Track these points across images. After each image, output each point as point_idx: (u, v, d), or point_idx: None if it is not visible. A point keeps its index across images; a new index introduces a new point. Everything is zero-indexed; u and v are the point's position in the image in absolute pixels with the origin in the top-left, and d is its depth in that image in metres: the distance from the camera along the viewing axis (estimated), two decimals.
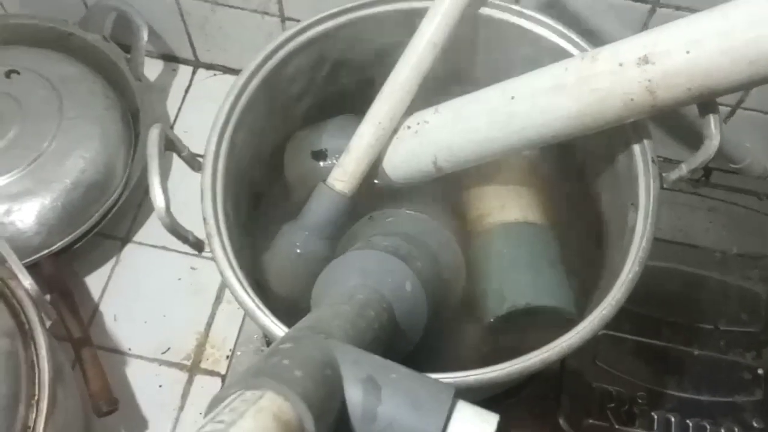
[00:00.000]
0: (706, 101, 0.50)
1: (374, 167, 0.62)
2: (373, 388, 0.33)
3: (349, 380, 0.33)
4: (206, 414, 0.27)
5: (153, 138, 0.50)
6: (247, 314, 0.50)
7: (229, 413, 0.26)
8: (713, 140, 0.51)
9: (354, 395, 0.33)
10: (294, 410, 0.28)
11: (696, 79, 0.46)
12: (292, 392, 0.29)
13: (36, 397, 0.59)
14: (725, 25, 0.45)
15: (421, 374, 0.35)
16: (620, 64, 0.48)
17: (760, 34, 0.43)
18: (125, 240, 0.86)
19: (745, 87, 0.47)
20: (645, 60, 0.47)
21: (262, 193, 0.67)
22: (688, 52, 0.46)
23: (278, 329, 0.49)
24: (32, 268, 0.71)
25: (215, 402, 0.28)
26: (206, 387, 0.78)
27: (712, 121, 0.51)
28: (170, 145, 0.53)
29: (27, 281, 0.62)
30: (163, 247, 0.85)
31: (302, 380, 0.30)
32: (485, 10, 0.61)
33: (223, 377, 0.78)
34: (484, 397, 0.59)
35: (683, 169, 0.54)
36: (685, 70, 0.46)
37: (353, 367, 0.34)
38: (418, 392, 0.34)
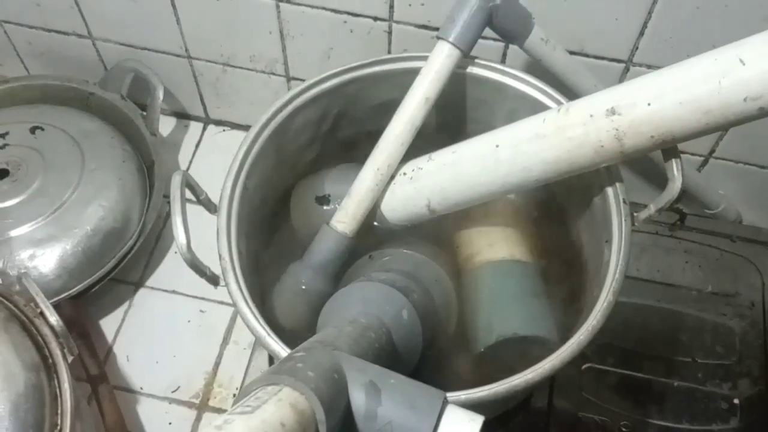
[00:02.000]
0: (668, 147, 0.55)
1: (373, 210, 0.67)
2: (374, 391, 0.38)
3: (354, 384, 0.38)
4: (234, 403, 0.32)
5: (176, 182, 0.56)
6: (259, 341, 0.55)
7: (254, 401, 0.31)
8: (676, 182, 0.56)
9: (358, 397, 0.38)
10: (308, 402, 0.33)
11: (659, 127, 0.52)
12: (306, 387, 0.33)
13: (59, 427, 0.63)
14: (683, 81, 0.51)
15: (416, 381, 0.40)
16: (591, 115, 0.54)
17: (712, 88, 0.49)
18: (138, 284, 0.90)
19: (702, 134, 0.52)
20: (613, 111, 0.53)
21: (271, 234, 0.72)
22: (649, 104, 0.52)
23: (284, 352, 0.53)
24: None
25: (241, 394, 0.33)
26: None
27: (675, 165, 0.56)
28: (190, 189, 0.59)
29: (53, 318, 0.67)
30: (174, 291, 0.90)
31: (314, 379, 0.35)
32: (473, 69, 0.67)
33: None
34: None
35: (651, 209, 0.59)
36: (649, 120, 0.52)
37: (357, 373, 0.39)
38: (414, 395, 0.39)
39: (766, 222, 0.90)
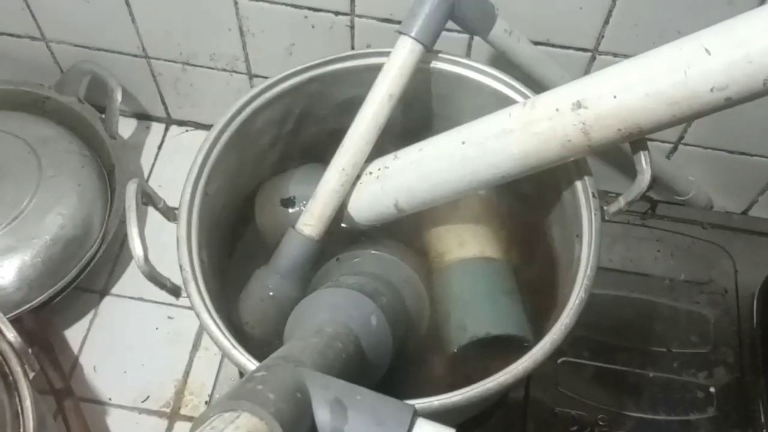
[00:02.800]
0: (636, 139, 0.54)
1: (340, 211, 0.65)
2: (340, 408, 0.37)
3: (318, 402, 0.37)
4: (191, 431, 0.31)
5: (131, 191, 0.54)
6: (224, 354, 0.53)
7: (210, 431, 0.30)
8: (645, 174, 0.56)
9: (323, 416, 0.37)
10: (267, 428, 0.32)
11: (625, 120, 0.51)
12: (265, 412, 0.32)
13: None
14: (648, 72, 0.49)
15: (384, 396, 0.39)
16: (557, 109, 0.53)
17: (678, 79, 0.48)
18: (103, 293, 0.88)
19: (669, 125, 0.51)
20: (579, 105, 0.52)
21: (235, 240, 0.70)
22: (615, 97, 0.50)
23: (250, 364, 0.52)
24: (13, 323, 0.72)
25: (197, 423, 0.32)
26: None
27: (643, 157, 0.56)
28: (147, 198, 0.57)
29: (11, 334, 0.64)
30: (140, 299, 0.87)
31: (275, 402, 0.33)
32: (436, 64, 0.66)
33: None
34: (452, 425, 0.62)
35: (621, 202, 0.58)
36: (615, 113, 0.51)
37: (321, 390, 0.37)
38: (381, 411, 0.37)
39: (736, 207, 0.90)
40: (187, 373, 0.83)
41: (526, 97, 0.63)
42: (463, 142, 0.59)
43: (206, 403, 0.81)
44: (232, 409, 0.32)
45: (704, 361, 0.76)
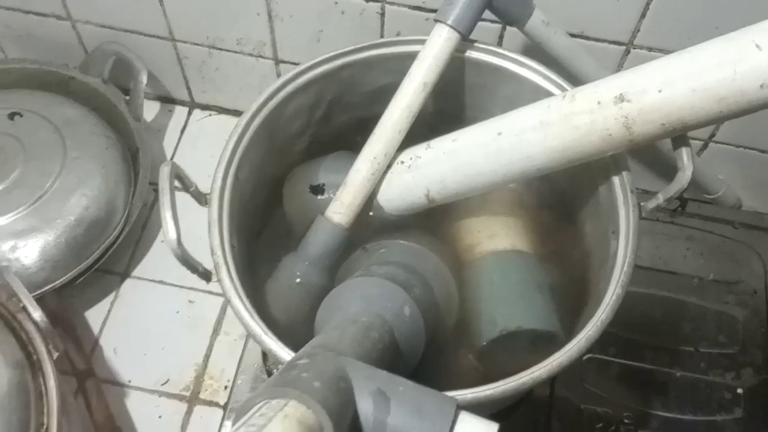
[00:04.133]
0: (679, 135, 0.53)
1: (370, 200, 0.65)
2: (383, 399, 0.36)
3: (361, 392, 0.36)
4: (235, 421, 0.30)
5: (164, 174, 0.53)
6: (255, 339, 0.53)
7: (259, 418, 0.29)
8: (686, 171, 0.55)
9: (365, 406, 0.36)
10: (315, 417, 0.31)
11: (669, 115, 0.50)
12: (313, 400, 0.31)
13: (45, 426, 0.61)
14: (695, 67, 0.49)
15: (426, 388, 0.38)
16: (599, 103, 0.52)
17: (725, 75, 0.47)
18: (124, 275, 0.88)
19: (714, 122, 0.50)
20: (621, 98, 0.51)
21: (263, 226, 0.70)
22: (660, 91, 0.50)
23: (282, 351, 0.51)
24: (36, 303, 0.73)
25: (242, 410, 0.31)
26: (205, 417, 0.80)
27: (685, 153, 0.55)
28: (180, 182, 0.56)
29: (37, 313, 0.64)
30: (161, 282, 0.87)
31: (321, 390, 0.33)
32: (471, 54, 0.65)
33: (223, 407, 0.80)
34: None
35: (660, 198, 0.57)
36: (659, 108, 0.50)
37: (364, 380, 0.37)
38: (424, 403, 0.37)
39: (765, 207, 0.89)
40: (207, 357, 0.83)
41: (563, 89, 0.62)
42: (500, 133, 0.58)
43: (226, 387, 0.81)
44: (280, 397, 0.31)
45: (732, 361, 0.76)
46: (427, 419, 0.36)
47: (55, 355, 0.64)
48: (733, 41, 0.47)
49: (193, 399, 0.81)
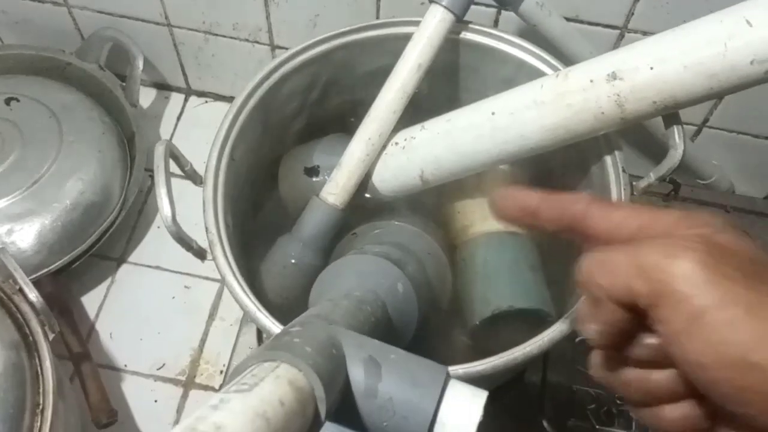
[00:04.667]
0: (671, 113, 0.54)
1: (364, 181, 0.65)
2: (374, 366, 0.37)
3: (352, 360, 0.36)
4: (227, 381, 0.31)
5: (159, 152, 0.53)
6: (248, 316, 0.53)
7: (251, 378, 0.30)
8: (678, 149, 0.55)
9: (357, 373, 0.36)
10: (306, 379, 0.32)
11: (661, 92, 0.50)
12: (304, 363, 0.32)
13: (41, 407, 0.61)
14: (686, 44, 0.49)
15: (417, 356, 0.39)
16: (591, 81, 0.53)
17: (717, 51, 0.47)
18: (120, 260, 0.88)
19: (706, 99, 0.51)
20: (614, 76, 0.52)
21: (258, 207, 0.70)
22: (652, 68, 0.50)
23: (275, 327, 0.52)
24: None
25: (235, 372, 0.31)
26: (201, 401, 0.80)
27: (676, 132, 0.55)
28: (174, 160, 0.56)
29: (33, 294, 0.64)
30: (157, 267, 0.88)
31: (312, 355, 0.33)
32: (466, 35, 0.65)
33: (218, 391, 0.80)
34: None
35: (651, 177, 0.57)
36: (651, 85, 0.50)
37: (356, 348, 0.37)
38: (415, 370, 0.37)
39: (759, 192, 0.90)
40: (203, 342, 0.83)
41: (556, 69, 0.62)
42: (494, 113, 0.58)
43: (221, 372, 0.81)
44: (272, 359, 0.32)
45: None
46: (418, 386, 0.36)
47: (51, 336, 0.65)
48: (725, 18, 0.48)
49: (188, 383, 0.81)
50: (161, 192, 0.52)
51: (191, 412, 0.77)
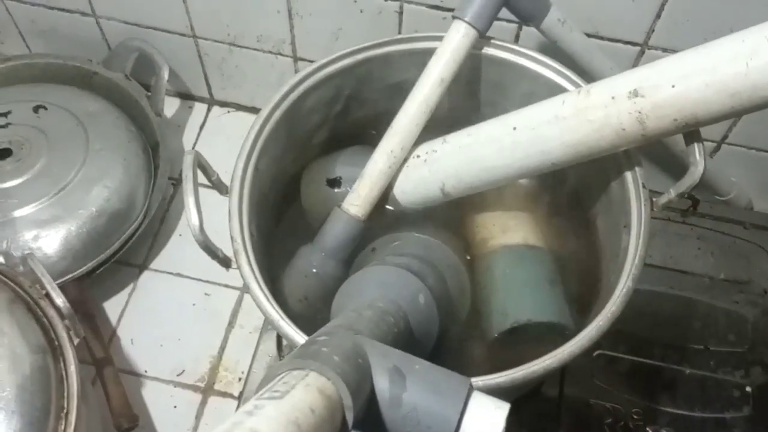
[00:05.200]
0: (691, 131, 0.54)
1: (386, 193, 0.66)
2: (399, 377, 0.37)
3: (378, 370, 0.37)
4: (258, 389, 0.31)
5: (188, 162, 0.55)
6: (272, 324, 0.54)
7: (282, 385, 0.30)
8: (698, 167, 0.55)
9: (382, 383, 0.37)
10: (334, 387, 0.32)
11: (682, 110, 0.51)
12: (333, 372, 0.33)
13: (65, 410, 0.62)
14: (709, 62, 0.49)
15: (441, 367, 0.39)
16: (613, 97, 0.53)
17: (739, 70, 0.48)
18: (142, 267, 0.89)
19: (727, 117, 0.51)
20: (635, 93, 0.52)
21: (281, 217, 0.71)
22: (673, 86, 0.50)
23: (298, 336, 0.53)
24: None
25: (266, 379, 0.32)
26: (219, 408, 0.81)
27: (697, 149, 0.55)
28: (202, 170, 0.57)
29: (59, 299, 0.66)
30: (178, 274, 0.89)
31: (340, 364, 0.34)
32: (488, 51, 0.66)
33: (237, 398, 0.81)
34: None
35: (672, 193, 0.58)
36: (673, 102, 0.51)
37: (381, 358, 0.38)
38: (439, 381, 0.38)
39: None
40: (222, 349, 0.84)
41: (578, 86, 0.63)
42: (515, 128, 0.59)
43: (240, 379, 0.82)
44: (301, 368, 0.32)
45: (741, 360, 0.76)
46: (441, 396, 0.37)
47: (76, 341, 0.66)
48: (746, 37, 0.48)
49: (207, 390, 0.82)
50: (189, 201, 0.53)
51: (210, 418, 0.78)
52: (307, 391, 0.31)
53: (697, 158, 0.55)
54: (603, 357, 0.75)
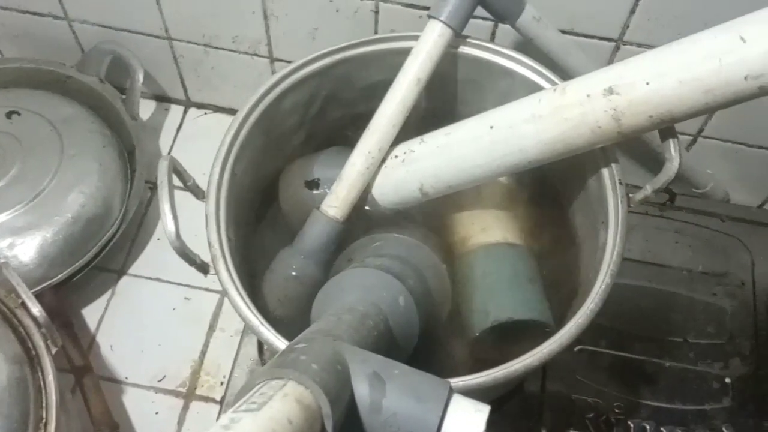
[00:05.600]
0: (666, 127, 0.55)
1: (364, 194, 0.66)
2: (379, 382, 0.37)
3: (357, 376, 0.37)
4: (236, 400, 0.31)
5: (163, 168, 0.54)
6: (251, 329, 0.54)
7: (259, 397, 0.30)
8: (673, 162, 0.56)
9: (362, 389, 0.37)
10: (313, 396, 0.32)
11: (657, 107, 0.51)
12: (311, 381, 0.32)
13: (44, 420, 0.62)
14: (682, 59, 0.50)
15: (421, 371, 0.39)
16: (588, 95, 0.54)
17: (713, 67, 0.48)
18: (121, 272, 0.88)
19: (701, 113, 0.51)
20: (611, 91, 0.52)
21: (259, 220, 0.71)
22: (648, 84, 0.51)
23: (278, 341, 0.52)
24: None
25: (243, 390, 0.32)
26: (201, 413, 0.80)
27: (672, 145, 0.56)
28: (177, 175, 0.57)
29: (35, 308, 0.65)
30: (158, 279, 0.88)
31: (318, 372, 0.34)
32: (464, 49, 0.66)
33: (219, 402, 0.81)
34: None
35: (648, 189, 0.58)
36: (647, 100, 0.51)
37: (360, 364, 0.38)
38: (419, 386, 0.38)
39: (754, 201, 0.91)
40: (203, 353, 0.84)
41: (554, 83, 0.63)
42: (492, 127, 0.59)
43: (221, 384, 0.82)
44: (279, 377, 0.32)
45: (720, 351, 0.77)
46: (421, 401, 0.37)
47: (54, 350, 0.65)
48: (719, 34, 0.49)
49: (189, 395, 0.81)
50: (165, 208, 0.53)
51: (192, 423, 0.77)
52: (285, 401, 0.30)
53: (672, 154, 0.56)
54: (584, 352, 0.76)
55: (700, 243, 0.83)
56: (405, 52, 0.64)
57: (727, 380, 0.75)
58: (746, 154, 0.85)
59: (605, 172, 0.60)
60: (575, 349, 0.76)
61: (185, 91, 0.98)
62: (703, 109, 0.50)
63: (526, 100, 0.58)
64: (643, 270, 0.81)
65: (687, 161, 0.84)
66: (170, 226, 0.53)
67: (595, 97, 0.53)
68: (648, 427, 0.72)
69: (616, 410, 0.73)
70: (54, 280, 0.79)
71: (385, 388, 0.37)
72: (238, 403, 0.30)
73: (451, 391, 0.38)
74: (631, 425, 0.72)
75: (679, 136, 0.83)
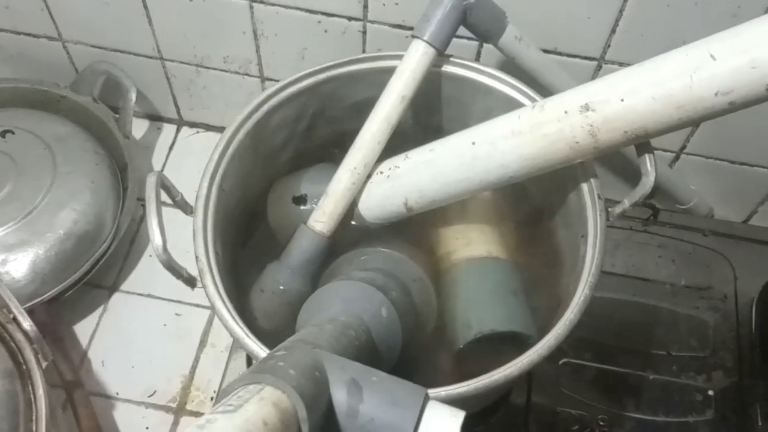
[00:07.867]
0: (642, 142, 0.56)
1: (351, 209, 0.67)
2: (356, 388, 0.38)
3: (335, 382, 0.38)
4: (215, 402, 0.32)
5: (151, 183, 0.55)
6: (237, 342, 0.54)
7: (237, 399, 0.31)
8: (649, 177, 0.57)
9: (339, 395, 0.38)
10: (289, 401, 0.33)
11: (632, 123, 0.53)
12: (288, 385, 0.33)
13: None
14: (655, 76, 0.51)
15: (398, 378, 0.40)
16: (565, 112, 0.55)
17: (684, 84, 0.50)
18: (112, 289, 0.89)
19: (674, 128, 0.53)
20: (587, 107, 0.54)
21: (247, 235, 0.72)
22: (622, 100, 0.52)
23: (263, 353, 0.53)
24: None
25: (222, 394, 0.33)
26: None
27: (648, 160, 0.57)
28: (165, 191, 0.58)
29: (27, 323, 0.66)
30: (149, 295, 0.89)
31: (296, 377, 0.35)
32: (448, 68, 0.68)
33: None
34: None
35: (626, 203, 0.60)
36: (622, 116, 0.53)
37: (338, 371, 0.39)
38: (395, 392, 0.39)
39: (737, 216, 0.92)
40: (193, 369, 0.84)
41: (534, 100, 0.65)
42: (474, 143, 0.60)
43: (212, 399, 0.82)
44: (256, 382, 0.33)
45: (703, 364, 0.78)
46: (397, 407, 0.38)
47: (44, 364, 0.66)
48: (690, 51, 0.50)
49: (179, 410, 0.82)
50: (152, 222, 0.54)
51: None
52: (261, 404, 0.31)
53: (649, 168, 0.57)
54: (569, 365, 0.77)
55: (683, 258, 0.85)
56: (391, 71, 0.65)
57: (710, 393, 0.76)
58: (729, 171, 0.86)
59: (584, 186, 0.62)
60: (560, 362, 0.77)
61: (177, 110, 1.00)
62: (676, 125, 0.52)
63: (506, 117, 0.60)
64: (627, 284, 0.82)
65: (670, 177, 0.85)
66: (157, 240, 0.54)
67: (572, 113, 0.55)
68: None
69: (601, 423, 0.74)
70: (46, 295, 0.80)
71: (362, 394, 0.38)
72: (216, 406, 0.31)
73: (427, 397, 0.39)
74: None
75: (663, 153, 0.85)
